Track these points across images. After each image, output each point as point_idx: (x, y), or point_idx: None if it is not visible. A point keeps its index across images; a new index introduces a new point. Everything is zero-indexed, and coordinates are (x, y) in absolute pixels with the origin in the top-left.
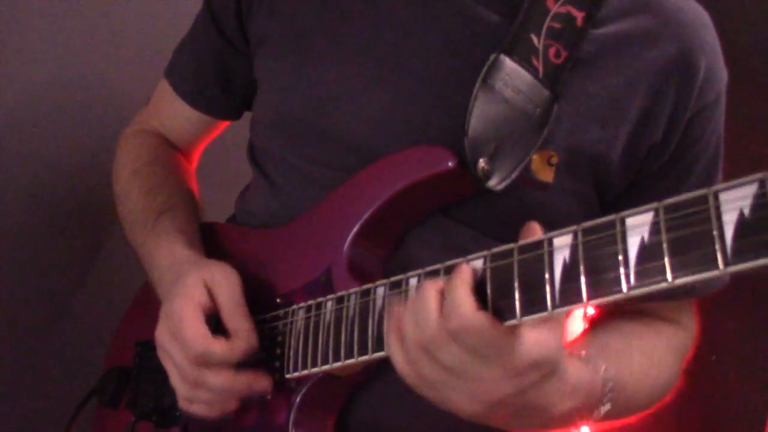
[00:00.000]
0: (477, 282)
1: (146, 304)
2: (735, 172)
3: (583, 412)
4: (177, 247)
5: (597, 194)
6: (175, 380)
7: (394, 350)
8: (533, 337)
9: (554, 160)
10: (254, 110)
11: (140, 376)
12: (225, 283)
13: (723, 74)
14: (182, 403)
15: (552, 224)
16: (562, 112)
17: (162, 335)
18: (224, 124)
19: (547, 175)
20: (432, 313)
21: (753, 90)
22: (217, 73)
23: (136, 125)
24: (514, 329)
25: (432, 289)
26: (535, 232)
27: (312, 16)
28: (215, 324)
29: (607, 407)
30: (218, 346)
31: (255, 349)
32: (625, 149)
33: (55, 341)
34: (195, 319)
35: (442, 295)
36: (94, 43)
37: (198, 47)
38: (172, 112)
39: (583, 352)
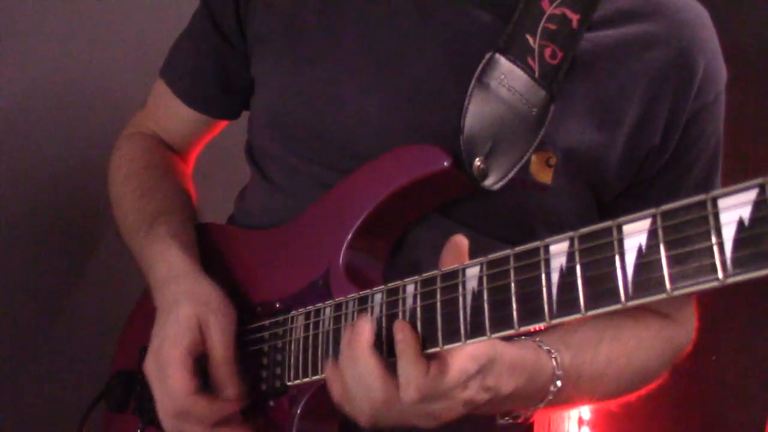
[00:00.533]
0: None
1: (150, 307)
2: (735, 173)
3: (536, 391)
4: (172, 253)
5: (595, 195)
6: (161, 418)
7: (353, 412)
8: (461, 356)
9: (553, 161)
10: (252, 109)
11: (145, 382)
12: (218, 329)
13: (722, 74)
14: None
15: (550, 224)
16: (560, 113)
17: (149, 371)
18: (222, 124)
19: (545, 177)
20: (378, 385)
21: (753, 90)
22: (215, 72)
23: (132, 128)
24: (443, 368)
25: (370, 354)
26: (460, 247)
27: (309, 16)
28: (204, 366)
29: (558, 384)
30: (200, 406)
31: (238, 409)
32: (623, 152)
33: (62, 345)
34: (182, 370)
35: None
36: (91, 42)
37: (195, 45)
38: (169, 112)
39: (537, 339)
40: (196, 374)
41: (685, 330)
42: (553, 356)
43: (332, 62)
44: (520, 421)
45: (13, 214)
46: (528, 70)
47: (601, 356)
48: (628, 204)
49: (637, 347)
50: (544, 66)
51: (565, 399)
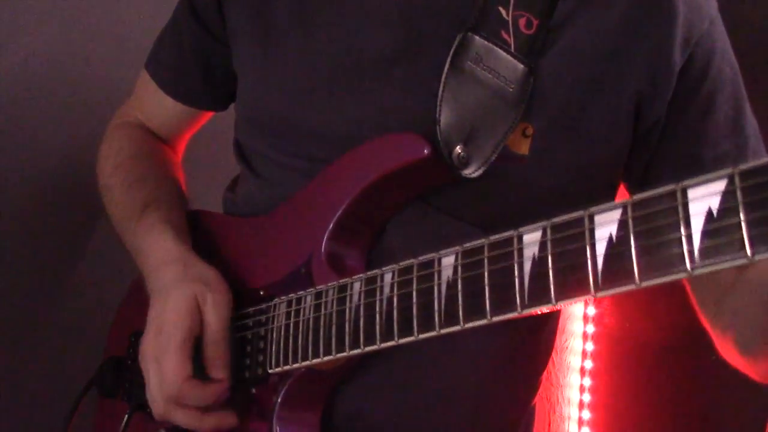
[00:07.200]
0: None
1: (141, 295)
2: None
3: None
4: (166, 238)
5: (594, 163)
6: (151, 403)
7: None
8: None
9: (529, 131)
10: (236, 104)
11: (134, 367)
12: (216, 306)
13: (710, 2)
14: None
15: (536, 201)
16: (537, 82)
17: (146, 352)
18: (209, 114)
19: (522, 148)
20: None
21: (753, 89)
22: (198, 63)
23: (119, 118)
24: None
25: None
26: None
27: (280, 7)
28: (197, 348)
29: None
30: (193, 392)
31: (227, 394)
32: (608, 109)
33: (55, 330)
34: (180, 355)
35: None
36: (78, 34)
37: (178, 37)
38: (154, 104)
39: None
40: (192, 358)
41: None
42: None
43: (304, 54)
44: None
45: (3, 204)
46: (503, 45)
47: None
48: (664, 159)
49: None
50: (519, 38)
51: None
